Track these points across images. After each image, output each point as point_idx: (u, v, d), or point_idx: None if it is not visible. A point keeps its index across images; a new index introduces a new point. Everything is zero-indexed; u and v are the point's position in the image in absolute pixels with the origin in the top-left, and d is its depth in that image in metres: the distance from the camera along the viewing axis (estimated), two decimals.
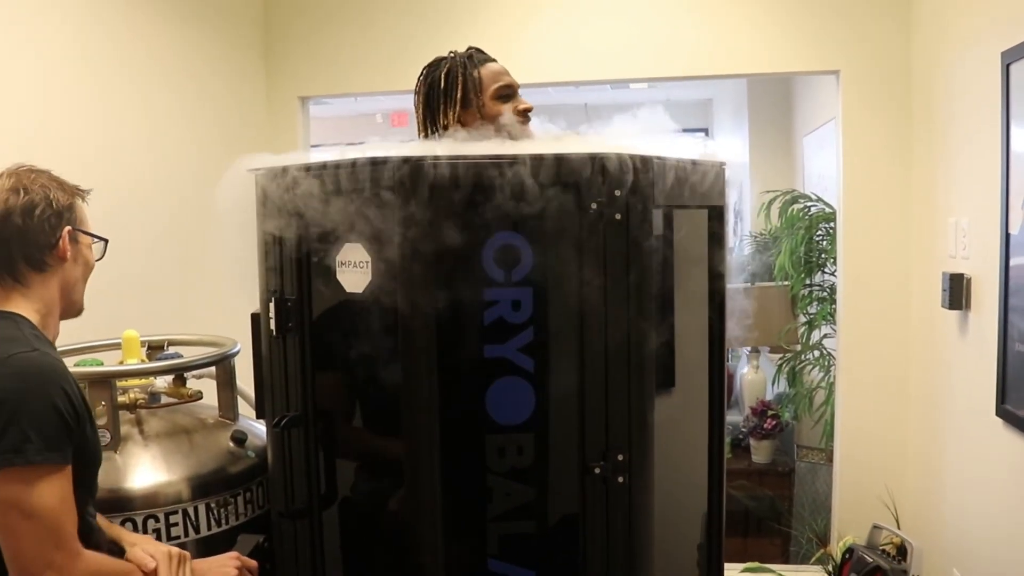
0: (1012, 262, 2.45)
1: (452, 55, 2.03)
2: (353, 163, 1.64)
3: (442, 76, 1.99)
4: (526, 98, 2.08)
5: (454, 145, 1.67)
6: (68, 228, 1.59)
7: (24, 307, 1.57)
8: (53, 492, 1.44)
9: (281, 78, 3.66)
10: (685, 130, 7.24)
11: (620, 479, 1.65)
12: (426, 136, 2.00)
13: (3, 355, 1.46)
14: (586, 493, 1.65)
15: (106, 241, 1.70)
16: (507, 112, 1.98)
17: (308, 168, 1.73)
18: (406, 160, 1.58)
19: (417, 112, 2.04)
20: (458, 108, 1.96)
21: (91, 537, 1.57)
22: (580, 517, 1.67)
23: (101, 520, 1.71)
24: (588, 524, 1.67)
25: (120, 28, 2.75)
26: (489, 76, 1.99)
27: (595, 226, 1.61)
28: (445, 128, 1.96)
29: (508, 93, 2.01)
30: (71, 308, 1.66)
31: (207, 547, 1.89)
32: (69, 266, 1.61)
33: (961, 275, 2.79)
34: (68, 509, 1.47)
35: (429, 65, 2.05)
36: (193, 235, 2.94)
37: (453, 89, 1.97)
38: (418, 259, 1.60)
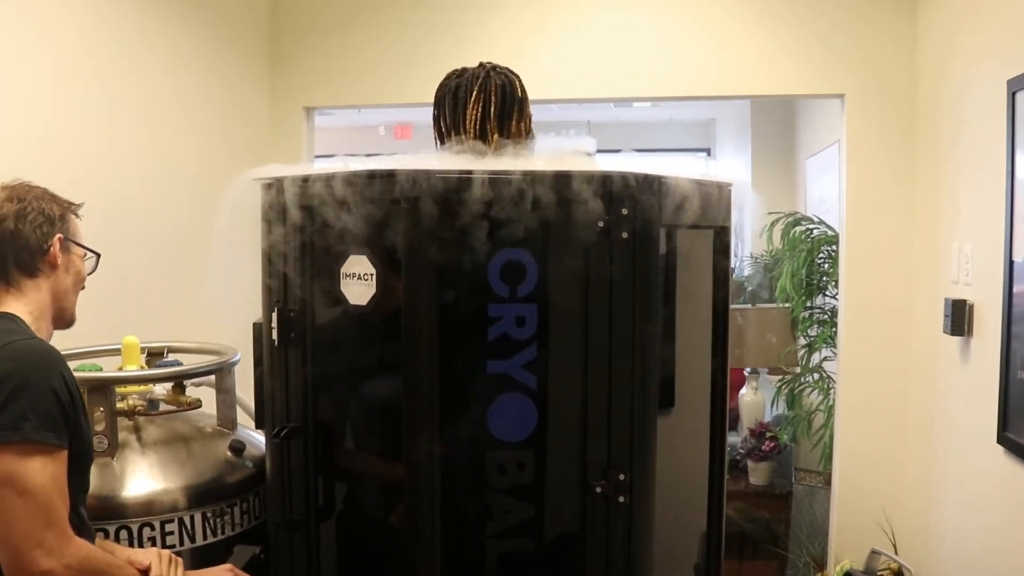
0: (1016, 289, 2.45)
1: (506, 69, 1.98)
2: (360, 175, 1.64)
3: (519, 87, 1.95)
4: None
5: (462, 159, 1.67)
6: (59, 236, 1.66)
7: (18, 308, 1.63)
8: (47, 471, 1.47)
9: (286, 88, 3.67)
10: (687, 150, 7.29)
11: (621, 498, 1.64)
12: (483, 140, 1.90)
13: (3, 342, 1.52)
14: (586, 512, 1.65)
15: (98, 255, 1.78)
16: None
17: (314, 179, 1.72)
18: (413, 173, 1.58)
19: (474, 111, 1.91)
20: (529, 122, 1.96)
21: (83, 533, 1.57)
22: (580, 536, 1.66)
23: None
24: (588, 543, 1.66)
25: (127, 34, 2.75)
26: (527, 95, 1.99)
27: (601, 244, 1.61)
28: (510, 135, 1.91)
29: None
30: (62, 317, 1.72)
31: (203, 557, 1.88)
32: (60, 274, 1.68)
33: (964, 301, 2.79)
34: (60, 490, 1.49)
35: (488, 73, 1.95)
36: (196, 242, 2.92)
37: (526, 103, 1.96)
38: (423, 273, 1.60)
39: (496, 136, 1.90)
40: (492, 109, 1.91)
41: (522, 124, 1.94)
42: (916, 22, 3.30)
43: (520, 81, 1.97)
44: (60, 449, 1.50)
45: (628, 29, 3.46)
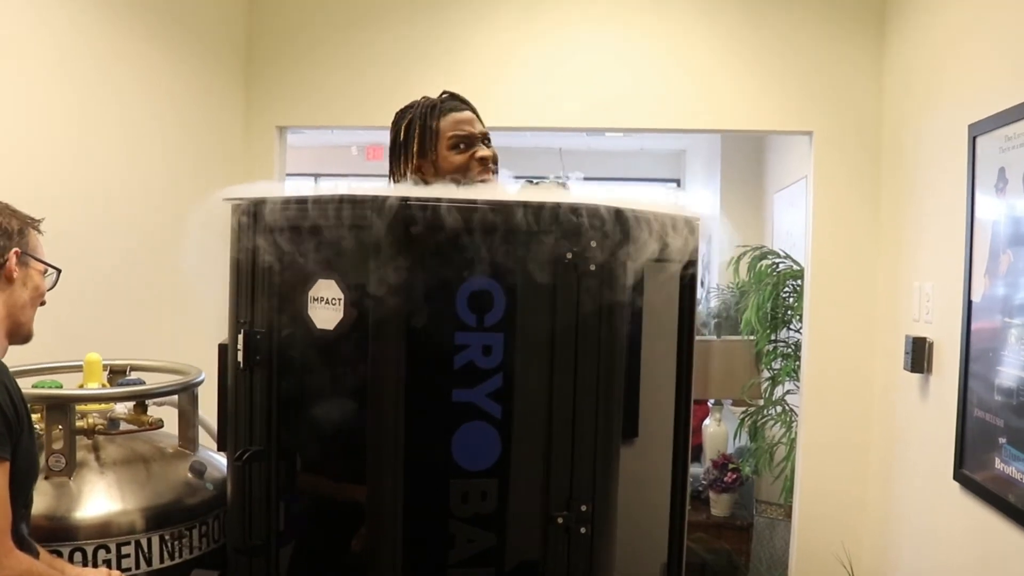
0: (973, 328, 2.50)
1: (422, 101, 2.02)
2: (332, 200, 1.64)
3: (403, 128, 2.00)
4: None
5: (434, 188, 1.68)
6: (16, 250, 1.65)
7: None
8: None
9: (260, 107, 3.66)
10: (658, 180, 7.36)
11: (583, 529, 1.64)
12: (392, 182, 2.00)
13: None
14: (548, 542, 1.65)
15: (59, 271, 1.76)
16: (461, 163, 1.96)
17: (285, 201, 1.72)
18: (385, 200, 1.58)
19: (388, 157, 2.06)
20: (415, 160, 1.97)
21: (24, 551, 1.54)
22: (541, 566, 1.66)
23: (44, 555, 1.68)
24: (549, 573, 1.65)
25: (103, 50, 2.74)
26: (446, 126, 1.96)
27: (569, 276, 1.62)
28: (405, 178, 1.97)
29: (464, 142, 1.97)
30: (18, 331, 1.69)
31: None
32: (17, 288, 1.66)
33: (924, 339, 2.84)
34: (2, 501, 1.46)
35: (400, 111, 2.05)
36: (165, 260, 2.91)
37: (411, 142, 1.98)
38: (391, 299, 1.60)
39: (392, 177, 2.00)
40: (389, 154, 2.03)
41: (409, 164, 1.98)
42: (882, 64, 3.38)
43: (416, 118, 1.99)
44: (2, 461, 1.48)
45: (602, 61, 3.50)
